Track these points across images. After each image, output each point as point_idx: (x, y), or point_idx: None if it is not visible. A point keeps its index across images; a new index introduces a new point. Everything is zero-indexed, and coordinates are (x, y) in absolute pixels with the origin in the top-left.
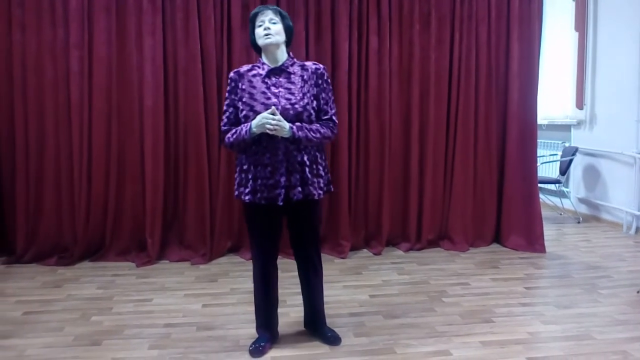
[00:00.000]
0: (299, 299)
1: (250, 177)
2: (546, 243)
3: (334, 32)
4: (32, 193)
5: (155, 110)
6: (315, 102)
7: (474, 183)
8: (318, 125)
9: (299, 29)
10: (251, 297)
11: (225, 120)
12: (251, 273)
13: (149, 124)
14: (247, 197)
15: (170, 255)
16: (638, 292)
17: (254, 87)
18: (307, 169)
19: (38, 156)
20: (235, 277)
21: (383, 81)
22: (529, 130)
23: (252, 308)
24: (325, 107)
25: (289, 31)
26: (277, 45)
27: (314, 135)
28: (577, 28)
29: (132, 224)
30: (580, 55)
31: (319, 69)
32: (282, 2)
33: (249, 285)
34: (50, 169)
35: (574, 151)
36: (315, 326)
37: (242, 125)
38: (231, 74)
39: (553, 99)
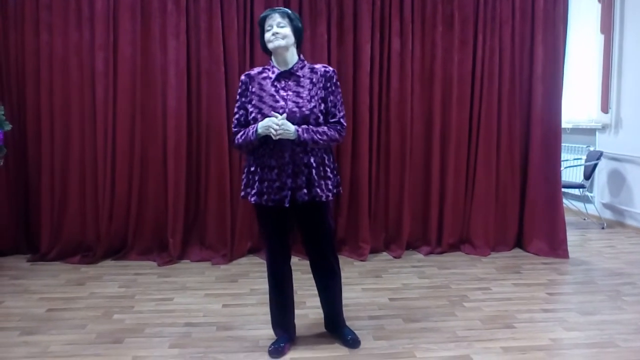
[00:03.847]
0: (318, 301)
1: (257, 178)
2: (569, 248)
3: (356, 33)
4: (57, 192)
5: (179, 112)
6: (323, 105)
7: (496, 186)
8: (325, 127)
9: (321, 31)
10: None
11: (236, 122)
12: None
13: (172, 125)
14: (253, 199)
15: (191, 255)
16: None
17: (264, 90)
18: (313, 171)
19: (63, 156)
20: (256, 277)
21: (405, 83)
22: (553, 134)
23: None
24: (333, 109)
25: (298, 33)
26: (286, 47)
27: (320, 137)
28: (602, 30)
29: (154, 224)
30: (605, 58)
31: (328, 72)
32: (304, 4)
33: None
34: (75, 168)
35: (598, 155)
36: (335, 328)
37: (250, 127)
38: (242, 77)
39: (578, 103)
